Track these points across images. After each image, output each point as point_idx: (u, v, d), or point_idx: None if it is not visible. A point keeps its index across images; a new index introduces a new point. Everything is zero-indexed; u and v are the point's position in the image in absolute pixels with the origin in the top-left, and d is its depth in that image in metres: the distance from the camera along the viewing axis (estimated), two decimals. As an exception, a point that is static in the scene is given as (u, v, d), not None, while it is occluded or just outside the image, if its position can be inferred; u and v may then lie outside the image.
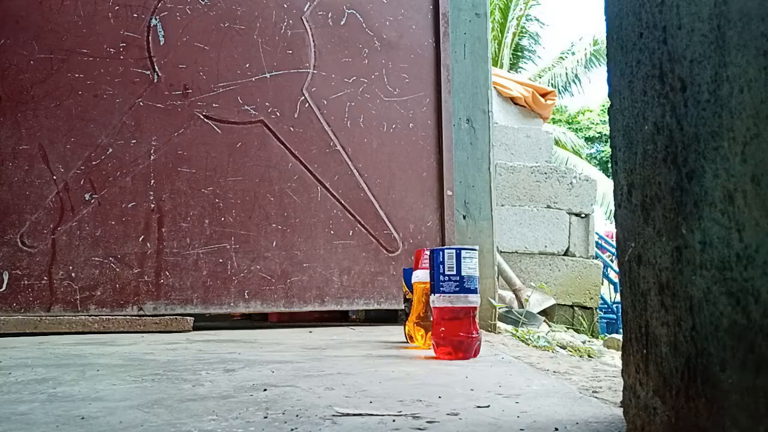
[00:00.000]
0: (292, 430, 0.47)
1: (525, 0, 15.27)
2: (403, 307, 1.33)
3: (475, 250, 1.08)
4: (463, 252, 1.06)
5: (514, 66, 15.86)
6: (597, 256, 5.44)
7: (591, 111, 21.67)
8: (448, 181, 2.19)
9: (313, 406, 0.56)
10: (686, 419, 0.34)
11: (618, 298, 5.98)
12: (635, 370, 0.43)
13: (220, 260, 1.96)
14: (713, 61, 0.32)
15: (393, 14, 2.29)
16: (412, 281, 1.28)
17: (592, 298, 4.64)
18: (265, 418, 0.51)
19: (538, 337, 2.03)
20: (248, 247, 1.98)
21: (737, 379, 0.29)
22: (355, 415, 0.52)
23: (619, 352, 0.45)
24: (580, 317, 4.46)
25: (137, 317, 1.99)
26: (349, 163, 2.14)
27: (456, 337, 1.03)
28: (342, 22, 2.26)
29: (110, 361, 0.93)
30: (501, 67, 13.71)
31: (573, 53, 16.80)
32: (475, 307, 1.05)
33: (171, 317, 1.99)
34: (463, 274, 1.04)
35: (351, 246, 2.07)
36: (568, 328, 3.37)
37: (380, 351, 1.16)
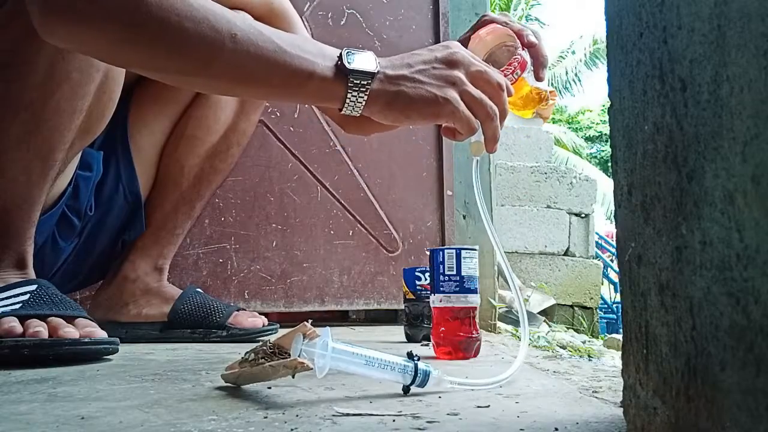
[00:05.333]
0: (292, 430, 0.47)
1: (526, 0, 15.28)
2: (403, 307, 1.33)
3: (475, 250, 1.08)
4: (463, 252, 1.06)
5: (514, 66, 15.83)
6: (597, 256, 5.44)
7: (591, 111, 21.67)
8: (448, 181, 2.19)
9: (314, 406, 0.56)
10: (686, 419, 0.34)
11: (618, 298, 5.98)
12: (635, 370, 0.43)
13: (220, 260, 1.96)
14: (713, 61, 0.32)
15: (393, 14, 2.29)
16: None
17: (592, 298, 4.64)
18: (265, 418, 0.51)
19: (538, 337, 2.03)
20: (248, 247, 1.98)
21: (737, 379, 0.29)
22: (355, 415, 0.52)
23: (619, 352, 0.45)
24: (580, 317, 4.46)
25: (137, 317, 1.98)
26: (349, 163, 2.14)
27: (456, 337, 1.03)
28: (342, 22, 2.26)
29: (110, 360, 0.93)
30: (501, 67, 13.67)
31: (573, 53, 16.81)
32: (475, 307, 1.05)
33: (171, 317, 1.98)
34: (463, 274, 1.04)
35: (351, 246, 2.07)
36: (568, 328, 3.37)
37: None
